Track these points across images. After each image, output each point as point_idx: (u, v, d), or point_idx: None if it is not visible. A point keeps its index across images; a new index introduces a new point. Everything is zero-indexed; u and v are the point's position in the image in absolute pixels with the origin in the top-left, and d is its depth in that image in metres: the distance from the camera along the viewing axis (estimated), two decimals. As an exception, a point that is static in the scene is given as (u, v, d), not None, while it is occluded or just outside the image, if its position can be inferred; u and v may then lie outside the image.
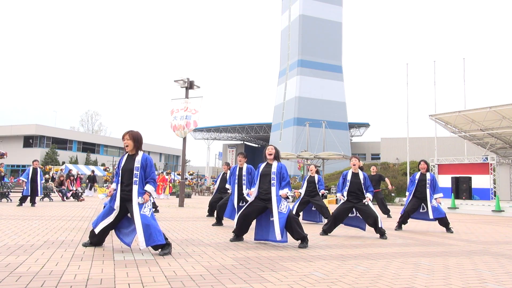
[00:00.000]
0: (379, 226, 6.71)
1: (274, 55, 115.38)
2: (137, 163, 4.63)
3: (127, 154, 4.79)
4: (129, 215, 4.66)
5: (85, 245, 4.87)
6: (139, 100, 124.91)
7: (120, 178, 4.67)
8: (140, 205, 4.49)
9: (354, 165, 7.00)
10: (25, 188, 12.44)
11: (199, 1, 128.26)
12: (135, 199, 4.50)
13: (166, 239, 4.53)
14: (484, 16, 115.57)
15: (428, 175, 8.20)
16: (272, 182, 5.60)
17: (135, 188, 4.54)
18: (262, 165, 5.88)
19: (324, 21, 56.50)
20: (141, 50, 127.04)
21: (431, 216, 8.01)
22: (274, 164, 5.73)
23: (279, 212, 5.41)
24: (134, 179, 4.56)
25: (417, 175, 8.30)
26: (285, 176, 5.68)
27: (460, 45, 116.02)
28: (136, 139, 4.74)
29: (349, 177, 6.95)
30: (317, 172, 9.50)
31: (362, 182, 6.88)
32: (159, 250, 4.48)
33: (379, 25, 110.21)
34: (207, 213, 10.32)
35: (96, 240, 4.83)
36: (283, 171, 5.70)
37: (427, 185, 8.10)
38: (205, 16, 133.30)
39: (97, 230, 4.68)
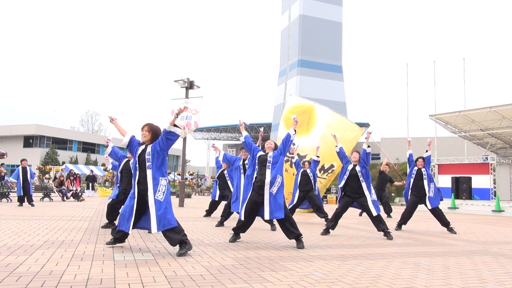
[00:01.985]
0: (375, 214, 6.77)
1: (274, 55, 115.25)
2: (149, 148, 4.77)
3: (142, 144, 4.88)
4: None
5: (109, 243, 4.92)
6: (139, 100, 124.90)
7: (137, 165, 4.77)
8: (155, 190, 4.58)
9: (355, 158, 7.35)
10: (16, 189, 12.40)
11: (199, 1, 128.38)
12: (150, 184, 4.61)
13: (184, 235, 4.58)
14: (484, 16, 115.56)
15: (423, 170, 8.36)
16: (268, 165, 5.62)
17: (149, 173, 4.65)
18: (259, 153, 5.85)
19: (324, 21, 56.47)
20: (141, 50, 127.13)
21: (429, 207, 8.15)
22: (271, 153, 5.75)
23: (270, 192, 5.48)
24: (147, 163, 4.69)
25: (414, 170, 8.43)
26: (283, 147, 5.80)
27: (460, 45, 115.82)
28: (154, 132, 4.88)
29: (349, 167, 7.21)
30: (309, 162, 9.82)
31: (358, 170, 7.07)
32: (178, 247, 4.54)
33: (379, 25, 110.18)
34: (206, 213, 10.30)
35: (120, 235, 4.87)
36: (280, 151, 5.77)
37: (424, 179, 8.26)
38: (205, 16, 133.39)
39: (131, 230, 4.71)
